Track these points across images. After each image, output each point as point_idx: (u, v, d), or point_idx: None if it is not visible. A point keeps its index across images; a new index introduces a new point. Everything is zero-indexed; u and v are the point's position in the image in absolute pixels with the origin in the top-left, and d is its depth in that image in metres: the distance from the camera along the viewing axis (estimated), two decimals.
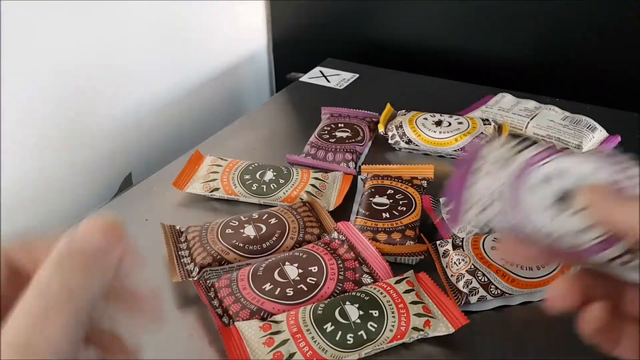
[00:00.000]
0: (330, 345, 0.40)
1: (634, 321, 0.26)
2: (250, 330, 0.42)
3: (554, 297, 0.26)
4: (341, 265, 0.48)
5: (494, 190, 0.26)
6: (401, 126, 0.67)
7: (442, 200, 0.56)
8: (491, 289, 0.45)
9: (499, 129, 0.67)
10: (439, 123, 0.67)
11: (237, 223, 0.52)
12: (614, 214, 0.24)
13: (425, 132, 0.66)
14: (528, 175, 0.26)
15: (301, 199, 0.58)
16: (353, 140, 0.67)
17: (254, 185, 0.58)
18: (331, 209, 0.57)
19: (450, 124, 0.67)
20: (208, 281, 0.47)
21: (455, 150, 0.65)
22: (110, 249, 0.21)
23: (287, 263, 0.47)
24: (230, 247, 0.50)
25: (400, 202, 0.55)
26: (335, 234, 0.51)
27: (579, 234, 0.25)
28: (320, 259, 0.48)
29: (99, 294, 0.21)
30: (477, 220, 0.27)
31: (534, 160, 0.26)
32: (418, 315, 0.43)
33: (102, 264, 0.21)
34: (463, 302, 0.45)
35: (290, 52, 1.00)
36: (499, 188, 0.26)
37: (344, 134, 0.67)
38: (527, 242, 0.26)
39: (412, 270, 0.48)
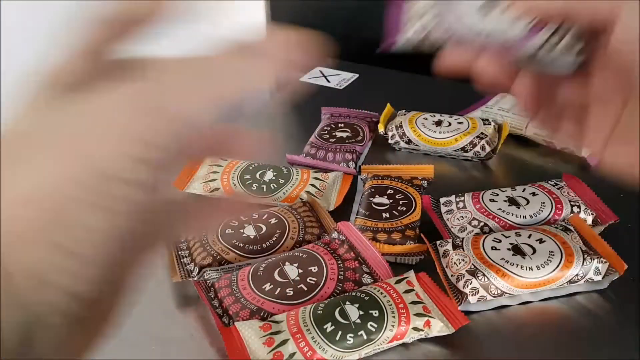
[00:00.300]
0: (330, 345, 0.40)
1: (571, 105, 0.29)
2: (250, 330, 0.42)
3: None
4: (341, 265, 0.48)
5: (430, 3, 0.29)
6: (401, 126, 0.67)
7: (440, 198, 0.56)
8: (491, 289, 0.45)
9: (499, 129, 0.67)
10: (439, 123, 0.67)
11: (237, 223, 0.52)
12: (537, 2, 0.26)
13: (425, 132, 0.66)
14: None
15: (301, 199, 0.58)
16: (353, 140, 0.67)
17: (254, 185, 0.58)
18: (331, 209, 0.57)
19: (450, 124, 0.67)
20: (208, 281, 0.47)
21: (455, 150, 0.65)
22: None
23: (287, 263, 0.47)
24: (230, 247, 0.50)
25: (400, 202, 0.55)
26: (335, 234, 0.51)
27: (508, 29, 0.27)
28: (320, 259, 0.48)
29: None
30: (417, 31, 0.29)
31: None
32: (418, 315, 0.43)
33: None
34: (463, 302, 0.45)
35: None
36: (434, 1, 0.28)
37: (344, 134, 0.67)
38: (462, 46, 0.28)
39: (412, 270, 0.47)
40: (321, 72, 0.88)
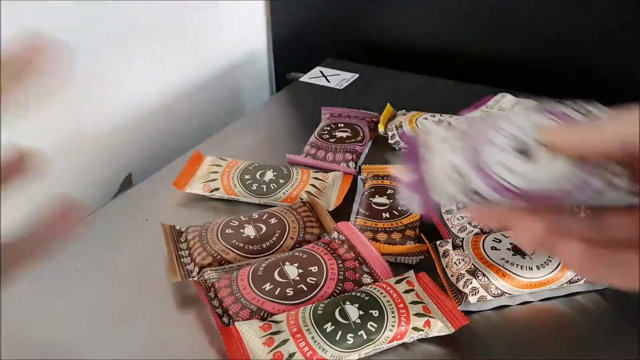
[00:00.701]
0: (330, 345, 0.40)
1: (622, 246, 0.25)
2: (250, 330, 0.42)
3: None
4: (341, 265, 0.48)
5: (453, 163, 0.26)
6: (401, 126, 0.67)
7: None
8: (491, 289, 0.45)
9: None
10: (439, 123, 0.67)
11: (237, 223, 0.52)
12: (583, 137, 0.23)
13: None
14: (483, 140, 0.25)
15: (301, 199, 0.58)
16: (353, 140, 0.67)
17: (254, 185, 0.58)
18: (331, 209, 0.57)
19: (450, 124, 0.67)
20: (208, 281, 0.47)
21: None
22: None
23: (287, 263, 0.47)
24: (230, 247, 0.50)
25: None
26: (335, 234, 0.51)
27: (555, 177, 0.24)
28: (320, 259, 0.48)
29: None
30: (446, 195, 0.26)
31: (479, 130, 0.26)
32: (418, 315, 0.43)
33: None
34: (463, 302, 0.45)
35: (290, 52, 1.00)
36: (459, 159, 0.26)
37: (344, 134, 0.67)
38: (497, 203, 0.25)
39: (412, 270, 0.47)
40: (321, 72, 0.88)
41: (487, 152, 0.25)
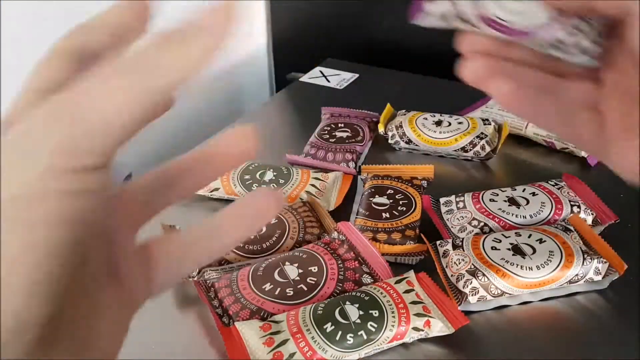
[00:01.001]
0: (330, 345, 0.40)
1: (579, 105, 0.28)
2: (250, 330, 0.42)
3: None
4: (341, 265, 0.48)
5: None
6: (401, 126, 0.67)
7: (442, 200, 0.57)
8: (491, 289, 0.45)
9: (499, 129, 0.67)
10: (439, 123, 0.67)
11: None
12: None
13: (425, 132, 0.66)
14: None
15: (301, 199, 0.58)
16: (353, 140, 0.67)
17: (254, 185, 0.58)
18: (331, 209, 0.57)
19: (450, 124, 0.67)
20: (208, 281, 0.47)
21: (455, 150, 0.65)
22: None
23: (287, 263, 0.47)
24: None
25: (400, 202, 0.55)
26: (335, 234, 0.51)
27: (529, 17, 0.26)
28: (320, 259, 0.48)
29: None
30: (440, 11, 0.28)
31: None
32: (418, 315, 0.43)
33: None
34: (463, 302, 0.45)
35: (290, 52, 1.00)
36: None
37: (344, 134, 0.67)
38: (481, 32, 0.27)
39: (412, 270, 0.47)
40: (321, 72, 0.88)
41: None
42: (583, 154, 0.64)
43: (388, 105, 0.71)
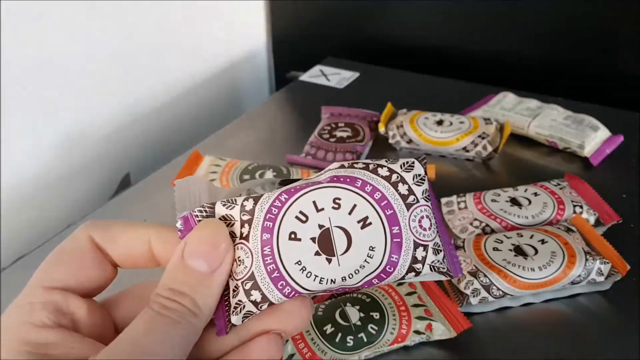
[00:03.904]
0: (330, 347, 0.40)
1: None
2: None
3: None
4: None
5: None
6: (402, 126, 0.67)
7: (443, 200, 0.56)
8: (493, 290, 0.45)
9: (501, 128, 0.66)
10: (440, 122, 0.66)
11: None
12: None
13: (426, 131, 0.66)
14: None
15: None
16: (353, 139, 0.66)
17: None
18: None
19: (451, 124, 0.66)
20: None
21: (456, 150, 0.65)
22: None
23: None
24: None
25: None
26: None
27: None
28: None
29: None
30: None
31: None
32: (420, 318, 0.42)
33: None
34: (464, 303, 0.45)
35: (290, 51, 0.99)
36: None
37: (344, 134, 0.67)
38: None
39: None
40: (321, 70, 0.87)
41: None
42: (585, 153, 0.64)
43: (389, 104, 0.71)
